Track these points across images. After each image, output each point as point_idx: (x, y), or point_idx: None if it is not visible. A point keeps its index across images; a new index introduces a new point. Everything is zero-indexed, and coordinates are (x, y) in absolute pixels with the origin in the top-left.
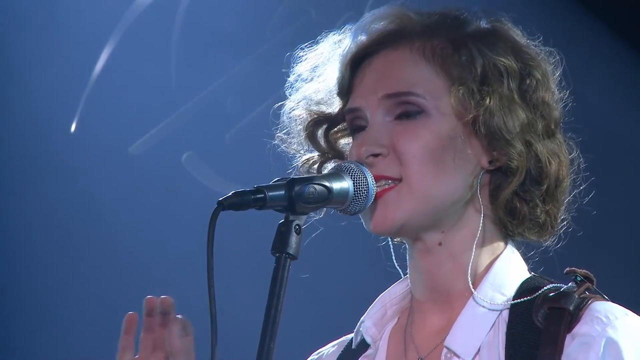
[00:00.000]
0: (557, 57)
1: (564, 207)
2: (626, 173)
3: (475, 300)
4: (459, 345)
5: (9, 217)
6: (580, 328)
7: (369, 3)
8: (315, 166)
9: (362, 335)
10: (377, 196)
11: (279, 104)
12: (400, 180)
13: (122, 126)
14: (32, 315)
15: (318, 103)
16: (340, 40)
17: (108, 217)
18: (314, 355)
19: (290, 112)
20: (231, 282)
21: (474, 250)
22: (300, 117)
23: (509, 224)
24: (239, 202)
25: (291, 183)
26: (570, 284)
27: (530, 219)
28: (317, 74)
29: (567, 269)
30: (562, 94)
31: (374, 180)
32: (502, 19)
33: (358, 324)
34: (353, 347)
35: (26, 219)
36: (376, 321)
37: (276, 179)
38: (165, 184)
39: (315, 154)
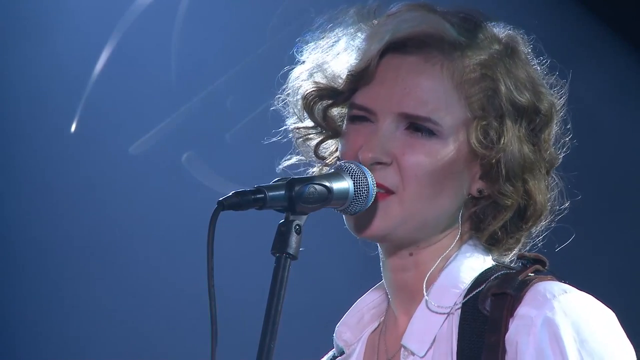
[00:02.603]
0: (564, 84)
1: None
2: (626, 172)
3: (425, 301)
4: (413, 342)
5: (9, 217)
6: (520, 310)
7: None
8: (307, 139)
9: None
10: (377, 200)
11: (289, 67)
12: (394, 193)
13: (122, 126)
14: (32, 314)
15: (327, 77)
16: (365, 21)
17: (108, 217)
18: None
19: (297, 77)
20: (231, 282)
21: (437, 262)
22: (305, 85)
23: (487, 248)
24: (239, 202)
25: (291, 183)
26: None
27: (504, 245)
28: (333, 45)
29: (518, 253)
30: (564, 134)
31: (374, 180)
32: (516, 31)
33: (334, 332)
34: (336, 354)
35: (26, 219)
36: (351, 325)
37: (276, 178)
38: (165, 184)
39: (306, 125)
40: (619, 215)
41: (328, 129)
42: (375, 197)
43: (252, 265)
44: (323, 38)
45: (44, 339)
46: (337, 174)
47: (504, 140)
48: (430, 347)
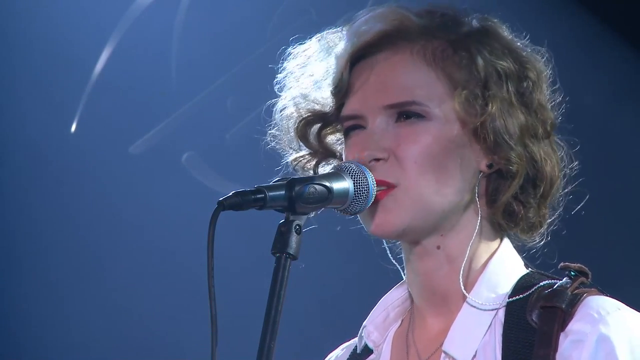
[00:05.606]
0: (546, 56)
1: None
2: (622, 170)
3: (469, 303)
4: (456, 349)
5: (9, 216)
6: (573, 325)
7: (369, 3)
8: (308, 165)
9: (365, 340)
10: (377, 198)
11: (272, 100)
12: (397, 186)
13: (122, 126)
14: (32, 314)
15: (311, 101)
16: (332, 38)
17: (108, 217)
18: None
19: (282, 110)
20: (231, 282)
21: (467, 253)
22: (292, 115)
23: (505, 225)
24: (239, 202)
25: (291, 183)
26: (564, 279)
27: (524, 220)
28: (309, 71)
29: (562, 264)
30: (554, 94)
31: (374, 180)
32: (491, 17)
33: (361, 329)
34: (358, 351)
35: (26, 219)
36: (378, 325)
37: (276, 179)
38: (165, 184)
39: (304, 152)
40: (619, 216)
41: (325, 151)
42: (380, 194)
43: (252, 265)
44: (297, 66)
45: (44, 339)
46: (337, 174)
47: (491, 105)
48: (474, 356)
